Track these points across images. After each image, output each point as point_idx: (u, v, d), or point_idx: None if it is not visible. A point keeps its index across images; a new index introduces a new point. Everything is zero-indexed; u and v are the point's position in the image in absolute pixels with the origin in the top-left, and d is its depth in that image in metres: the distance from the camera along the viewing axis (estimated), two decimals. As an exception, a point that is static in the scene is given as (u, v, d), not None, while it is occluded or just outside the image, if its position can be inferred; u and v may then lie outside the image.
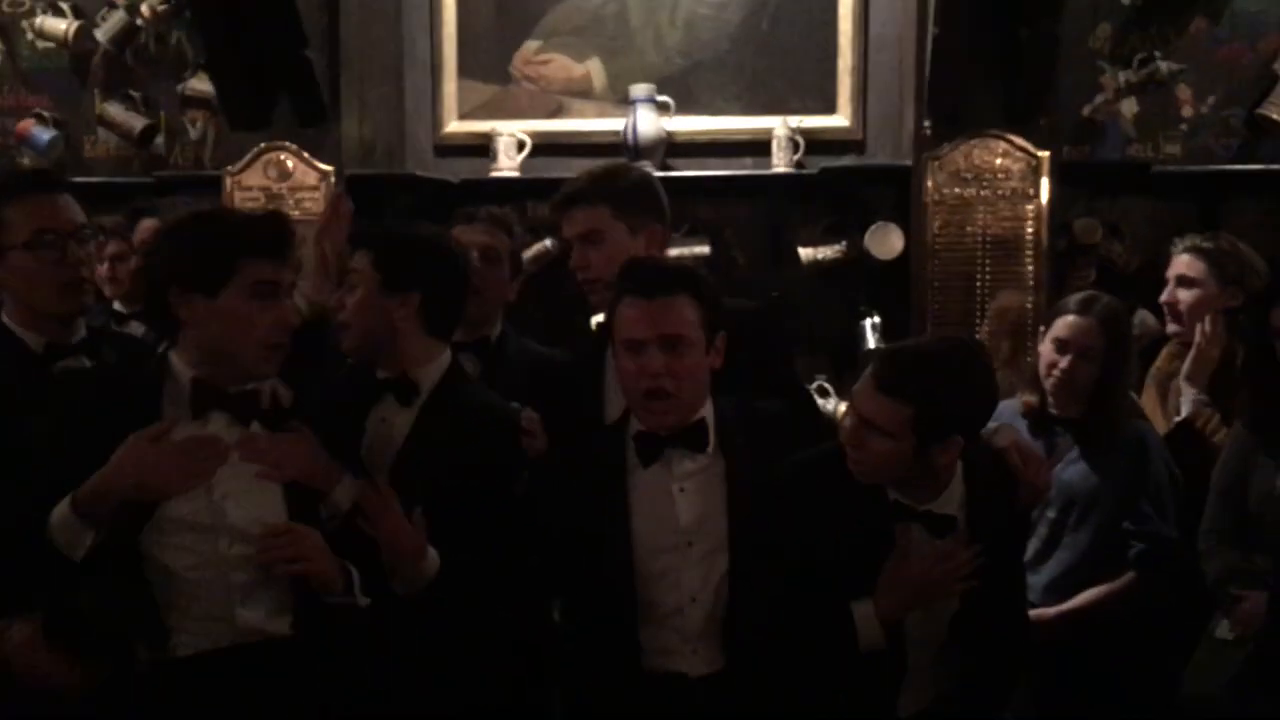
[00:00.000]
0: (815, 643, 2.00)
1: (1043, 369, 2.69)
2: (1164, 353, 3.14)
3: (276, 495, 1.91)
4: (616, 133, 3.78)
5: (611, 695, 2.04)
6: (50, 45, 3.93)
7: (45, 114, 3.94)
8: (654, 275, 2.00)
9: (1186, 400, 2.89)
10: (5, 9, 3.99)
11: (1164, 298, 3.08)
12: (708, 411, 2.04)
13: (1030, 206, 3.39)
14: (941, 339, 2.42)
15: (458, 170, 3.86)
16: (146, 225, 3.27)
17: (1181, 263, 3.02)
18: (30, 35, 3.95)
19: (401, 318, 2.14)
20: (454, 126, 3.94)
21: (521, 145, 3.81)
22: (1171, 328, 3.03)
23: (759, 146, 3.79)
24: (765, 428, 2.08)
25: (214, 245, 1.86)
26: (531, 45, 3.90)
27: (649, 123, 3.74)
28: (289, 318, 1.93)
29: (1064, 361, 2.63)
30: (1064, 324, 2.66)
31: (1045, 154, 3.36)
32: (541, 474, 2.13)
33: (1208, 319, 2.88)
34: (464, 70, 3.91)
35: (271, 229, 1.94)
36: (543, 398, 2.29)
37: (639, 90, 3.75)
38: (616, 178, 2.52)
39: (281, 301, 1.91)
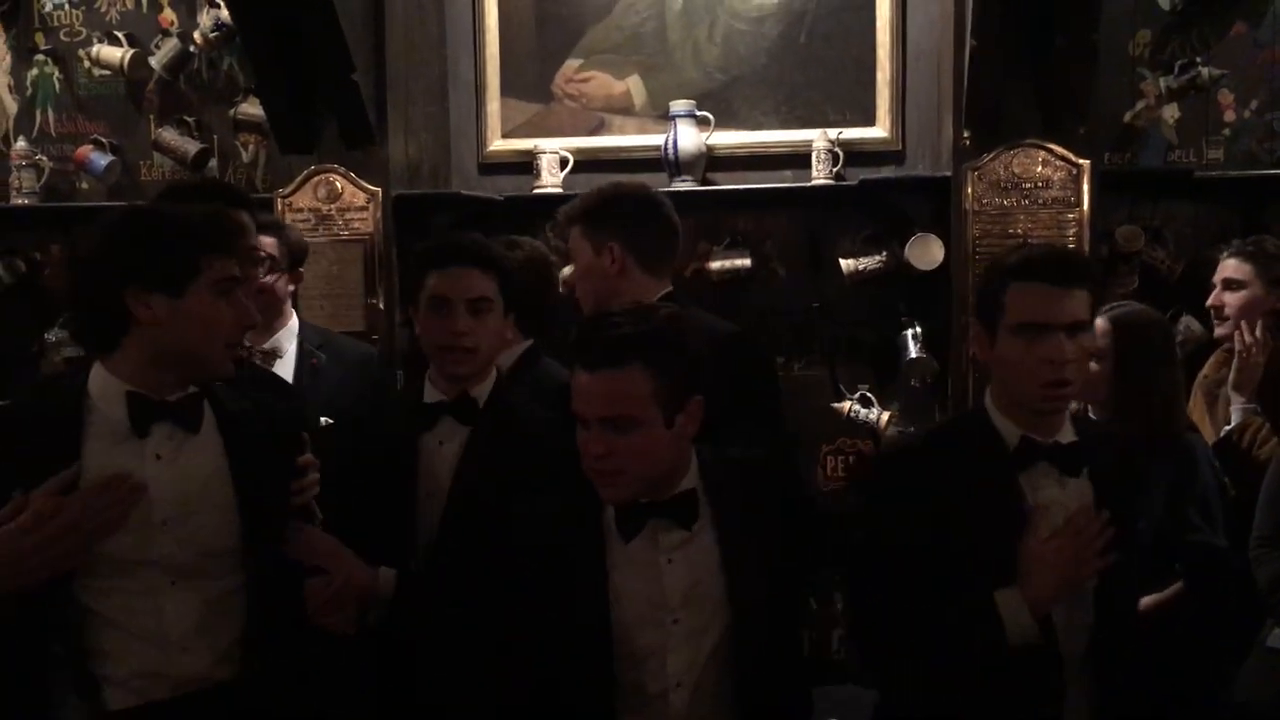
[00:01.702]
0: (954, 646, 1.82)
1: None
2: (1211, 360, 3.15)
3: (228, 517, 1.82)
4: (657, 148, 3.83)
5: None
6: (106, 73, 4.04)
7: (102, 140, 4.05)
8: (601, 344, 1.76)
9: (1236, 410, 2.89)
10: (62, 38, 4.11)
11: (1210, 301, 3.10)
12: (694, 479, 1.84)
13: (1072, 215, 3.39)
14: None
15: (502, 188, 3.93)
16: None
17: (1228, 266, 3.04)
18: (87, 64, 4.06)
19: (509, 339, 2.27)
20: (497, 145, 4.00)
21: (564, 162, 3.87)
22: (1219, 331, 3.04)
23: (798, 159, 3.82)
24: (751, 481, 1.91)
25: (177, 242, 1.78)
26: (572, 64, 3.96)
27: (689, 138, 3.78)
28: (251, 315, 1.89)
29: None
30: None
31: (1086, 162, 3.36)
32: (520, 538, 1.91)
33: (1245, 325, 2.88)
34: (507, 89, 3.98)
35: (226, 225, 1.90)
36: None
37: (679, 106, 3.79)
38: (590, 196, 2.55)
39: (240, 298, 1.85)
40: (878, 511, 1.98)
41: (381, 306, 3.58)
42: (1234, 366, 2.91)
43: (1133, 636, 1.95)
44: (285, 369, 2.95)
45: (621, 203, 2.51)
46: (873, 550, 1.95)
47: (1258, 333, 2.87)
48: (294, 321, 3.10)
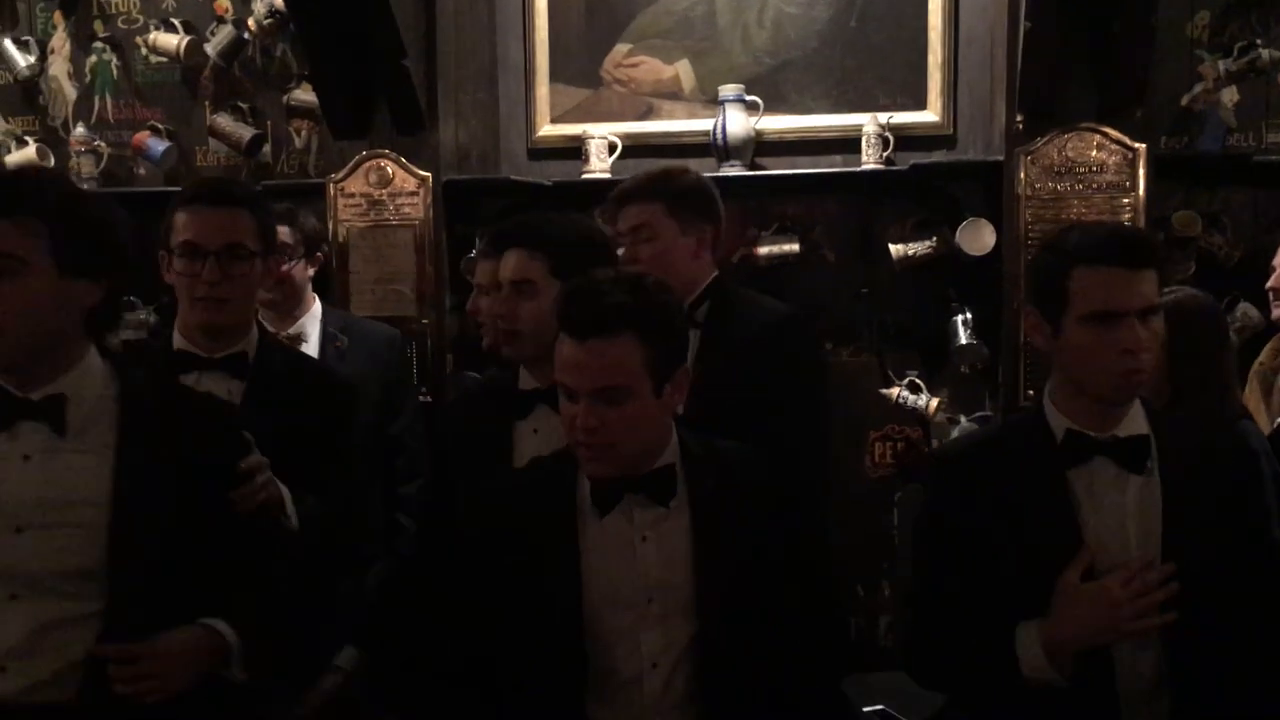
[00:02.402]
0: (977, 677, 1.79)
1: None
2: (1268, 348, 3.10)
3: (94, 536, 1.66)
4: (706, 133, 3.81)
5: None
6: (163, 60, 4.10)
7: (159, 126, 4.11)
8: (590, 311, 1.72)
9: None
10: (120, 25, 4.17)
11: (1271, 283, 3.06)
12: (674, 455, 1.81)
13: (1127, 200, 3.34)
14: None
15: (550, 173, 3.94)
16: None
17: None
18: (144, 51, 4.12)
19: None
20: (546, 130, 4.01)
21: (613, 147, 3.87)
22: (1276, 313, 3.00)
23: (848, 144, 3.79)
24: (732, 469, 1.86)
25: None
26: (621, 49, 3.96)
27: (738, 122, 3.77)
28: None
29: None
30: None
31: (1142, 146, 3.30)
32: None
33: None
34: (556, 75, 3.98)
35: None
36: None
37: (728, 90, 3.78)
38: (671, 178, 2.58)
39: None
40: (929, 518, 1.93)
41: (431, 291, 3.61)
42: None
43: (1210, 676, 1.75)
44: (309, 353, 2.99)
45: (704, 187, 2.58)
46: (923, 560, 1.91)
47: None
48: (317, 307, 3.16)
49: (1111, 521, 1.78)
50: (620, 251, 2.51)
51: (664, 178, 2.59)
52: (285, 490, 1.95)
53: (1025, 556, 1.77)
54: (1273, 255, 3.13)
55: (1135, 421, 1.83)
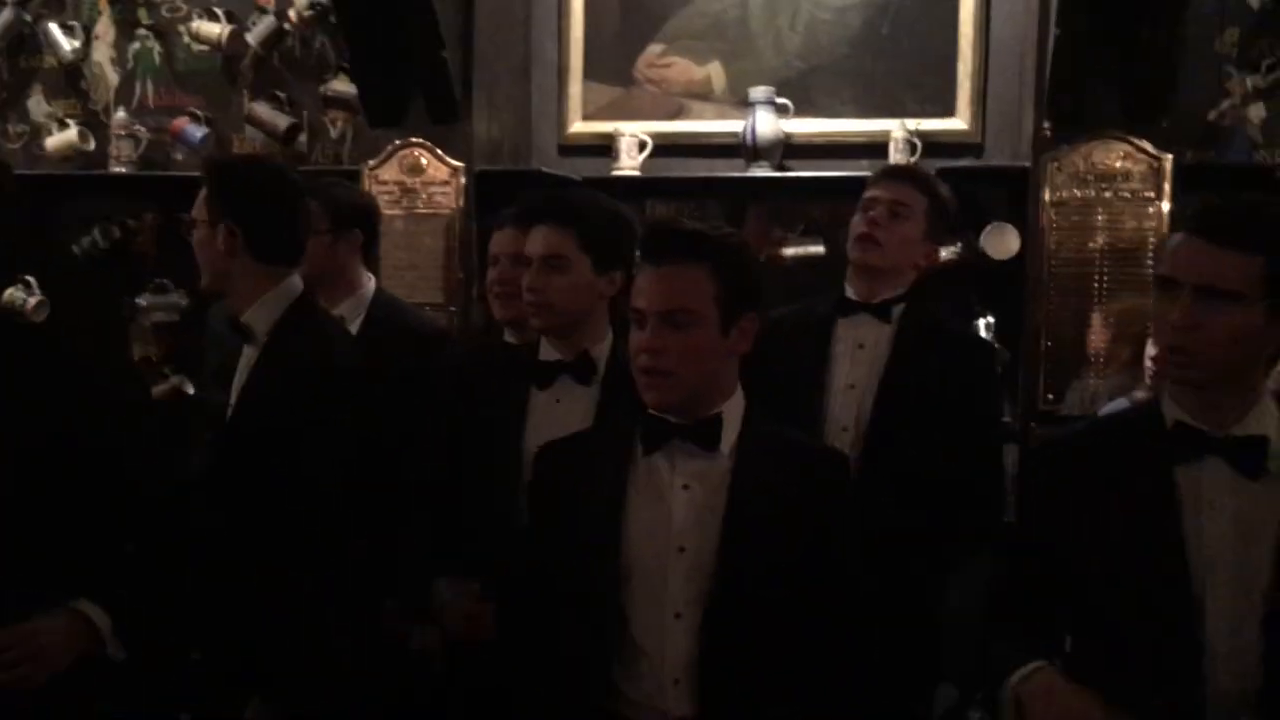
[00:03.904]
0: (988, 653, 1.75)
1: (1146, 363, 2.72)
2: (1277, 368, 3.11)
3: None
4: (735, 134, 3.86)
5: None
6: (204, 49, 4.17)
7: (198, 113, 4.18)
8: (669, 239, 1.80)
9: None
10: (163, 14, 4.25)
11: None
12: (732, 410, 1.81)
13: (1151, 209, 3.38)
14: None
15: (580, 169, 3.99)
16: None
17: None
18: (186, 39, 4.20)
19: (605, 296, 2.22)
20: (578, 127, 4.07)
21: (643, 145, 3.92)
22: None
23: (876, 149, 3.83)
24: (790, 451, 1.86)
25: None
26: (654, 49, 4.02)
27: (767, 124, 3.82)
28: None
29: (1156, 352, 2.65)
30: None
31: (1168, 156, 3.34)
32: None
33: None
34: (589, 73, 4.05)
35: None
36: None
37: (758, 92, 3.83)
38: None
39: None
40: (1024, 509, 1.94)
41: (459, 280, 3.66)
42: None
43: None
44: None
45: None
46: (1014, 551, 1.88)
47: None
48: (366, 289, 2.94)
49: (1215, 529, 1.62)
50: None
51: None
52: None
53: (1114, 554, 1.66)
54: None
55: (1262, 420, 1.64)
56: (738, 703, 1.74)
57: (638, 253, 1.83)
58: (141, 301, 4.16)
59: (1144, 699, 1.60)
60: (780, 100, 3.85)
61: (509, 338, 2.64)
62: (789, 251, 3.85)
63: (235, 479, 2.20)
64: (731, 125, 3.90)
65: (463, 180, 3.66)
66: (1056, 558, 1.74)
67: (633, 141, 3.91)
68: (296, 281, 2.32)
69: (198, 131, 4.14)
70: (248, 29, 4.11)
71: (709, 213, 3.98)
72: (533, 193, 2.70)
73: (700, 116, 4.01)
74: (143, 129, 4.22)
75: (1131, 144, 3.36)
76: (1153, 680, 1.61)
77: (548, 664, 1.83)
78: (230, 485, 2.20)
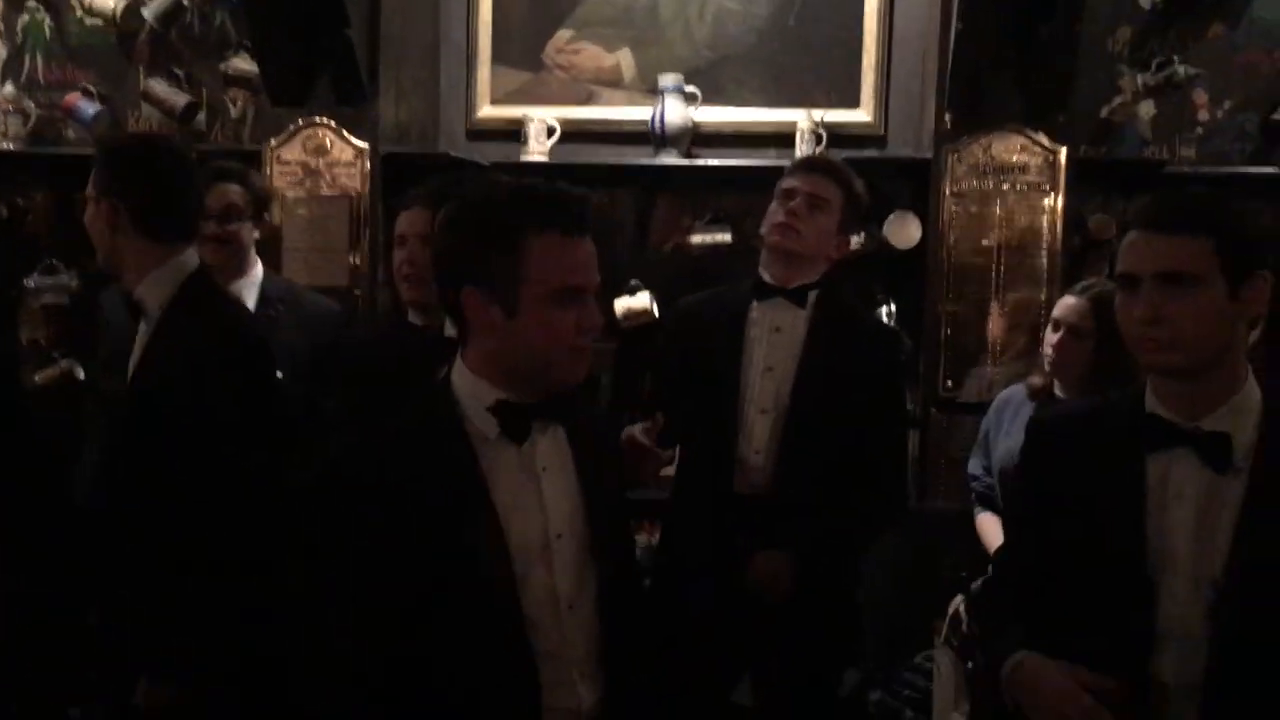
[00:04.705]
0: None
1: (1044, 350, 2.81)
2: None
3: None
4: (644, 121, 3.87)
5: None
6: (98, 22, 4.04)
7: (91, 89, 4.04)
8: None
9: None
10: (55, -14, 4.11)
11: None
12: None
13: (1047, 201, 3.47)
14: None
15: (489, 154, 3.96)
16: None
17: None
18: (79, 12, 4.06)
19: None
20: (487, 111, 4.04)
21: (551, 131, 3.91)
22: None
23: (783, 139, 3.87)
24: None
25: None
26: (564, 34, 4.00)
27: (676, 112, 3.83)
28: None
29: (1055, 339, 2.74)
30: (1060, 305, 2.79)
31: (1063, 149, 3.44)
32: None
33: None
34: (498, 57, 4.02)
35: None
36: None
37: (667, 80, 3.84)
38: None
39: None
40: (1020, 479, 1.92)
41: (363, 262, 3.61)
42: None
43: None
44: None
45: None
46: (1008, 515, 1.94)
47: None
48: (257, 271, 3.08)
49: (1177, 517, 1.66)
50: None
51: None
52: None
53: (1080, 536, 1.71)
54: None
55: (1239, 412, 1.67)
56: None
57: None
58: (30, 283, 4.01)
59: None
60: (689, 89, 3.87)
61: (413, 318, 2.62)
62: (696, 239, 3.88)
63: (130, 457, 2.15)
64: (640, 113, 3.91)
65: (368, 162, 3.60)
66: (1041, 537, 1.78)
67: (541, 127, 3.90)
68: (191, 258, 2.32)
69: (90, 108, 4.01)
70: (144, 3, 3.98)
71: (619, 200, 3.99)
72: (439, 173, 2.69)
73: (610, 103, 4.01)
74: (32, 104, 4.07)
75: (1029, 137, 3.45)
76: (1104, 661, 1.65)
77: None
78: (124, 463, 2.16)
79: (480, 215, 1.64)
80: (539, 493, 1.67)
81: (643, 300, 3.83)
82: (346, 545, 1.60)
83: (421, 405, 1.72)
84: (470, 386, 1.66)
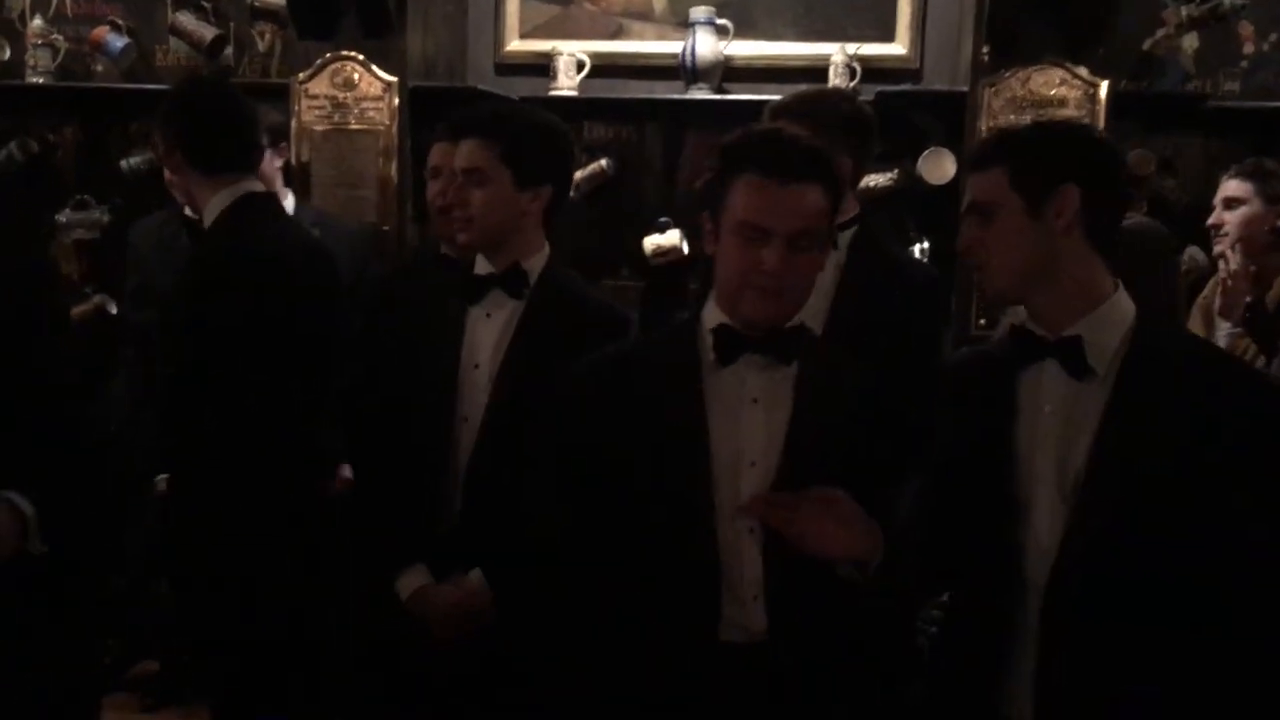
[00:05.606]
0: None
1: None
2: (1211, 282, 3.18)
3: None
4: (674, 55, 3.81)
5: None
6: (125, -45, 4.02)
7: (119, 22, 4.02)
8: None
9: (1223, 336, 2.94)
10: (82, -82, 4.08)
11: (1211, 220, 3.15)
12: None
13: (1085, 137, 3.40)
14: None
15: (517, 89, 3.91)
16: None
17: (1229, 186, 3.10)
18: (106, -56, 4.04)
19: (531, 211, 2.18)
20: (515, 45, 3.99)
21: (581, 65, 3.86)
22: (1217, 248, 3.08)
23: (815, 73, 3.80)
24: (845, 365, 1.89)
25: None
26: (594, -34, 3.94)
27: (707, 46, 3.77)
28: None
29: None
30: None
31: (1104, 82, 3.36)
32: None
33: (1229, 255, 2.92)
34: (527, -11, 3.96)
35: None
36: None
37: (698, 13, 3.78)
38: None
39: None
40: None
41: (392, 197, 3.59)
42: (1218, 293, 2.96)
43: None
44: None
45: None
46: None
47: (1237, 264, 2.89)
48: (288, 202, 3.19)
49: (1043, 429, 1.70)
50: None
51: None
52: None
53: (957, 458, 1.77)
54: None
55: (1099, 325, 1.68)
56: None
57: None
58: (61, 218, 4.03)
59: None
60: (720, 21, 3.81)
61: (446, 250, 2.61)
62: (727, 175, 3.83)
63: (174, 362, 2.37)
64: (671, 46, 3.85)
65: (396, 96, 3.57)
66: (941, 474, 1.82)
67: (570, 61, 3.85)
68: (248, 185, 2.54)
69: (118, 41, 3.99)
70: (171, -65, 3.95)
71: (648, 136, 3.95)
72: (469, 106, 2.67)
73: (640, 37, 3.95)
74: (61, 38, 4.05)
75: (1068, 70, 3.37)
76: (979, 580, 1.72)
77: (640, 612, 1.78)
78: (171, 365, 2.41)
79: (719, 151, 1.81)
80: (739, 420, 1.77)
81: (672, 238, 3.80)
82: (582, 445, 1.82)
83: (676, 326, 1.92)
84: (709, 311, 1.83)
